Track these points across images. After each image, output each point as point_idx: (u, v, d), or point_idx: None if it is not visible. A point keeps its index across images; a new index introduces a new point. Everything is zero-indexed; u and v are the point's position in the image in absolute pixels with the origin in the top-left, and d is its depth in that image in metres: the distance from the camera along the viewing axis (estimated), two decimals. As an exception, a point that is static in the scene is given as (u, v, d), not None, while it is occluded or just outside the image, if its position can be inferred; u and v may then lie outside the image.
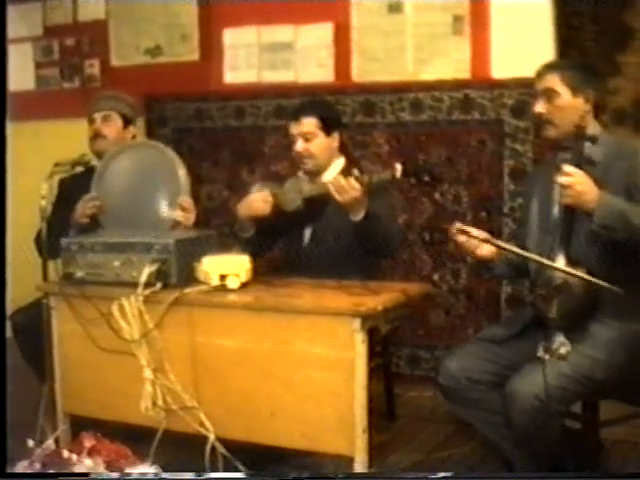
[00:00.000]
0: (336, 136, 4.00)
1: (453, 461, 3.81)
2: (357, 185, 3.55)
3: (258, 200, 3.95)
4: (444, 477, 2.99)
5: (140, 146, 4.32)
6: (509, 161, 4.73)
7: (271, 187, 4.02)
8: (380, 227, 3.73)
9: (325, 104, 4.28)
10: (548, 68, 3.36)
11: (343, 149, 4.07)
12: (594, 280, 2.95)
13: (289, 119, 4.06)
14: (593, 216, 2.97)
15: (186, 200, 3.96)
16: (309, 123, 3.94)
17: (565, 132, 3.27)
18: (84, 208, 4.07)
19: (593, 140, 3.15)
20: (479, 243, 3.37)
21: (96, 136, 4.37)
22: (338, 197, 3.61)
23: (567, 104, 3.28)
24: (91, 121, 4.42)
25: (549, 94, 3.29)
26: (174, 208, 3.95)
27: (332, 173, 3.96)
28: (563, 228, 3.18)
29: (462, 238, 3.37)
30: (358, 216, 3.67)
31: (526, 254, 3.23)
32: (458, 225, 3.36)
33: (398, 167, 3.53)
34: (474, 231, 3.34)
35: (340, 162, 4.02)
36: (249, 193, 4.07)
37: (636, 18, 4.49)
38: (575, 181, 2.99)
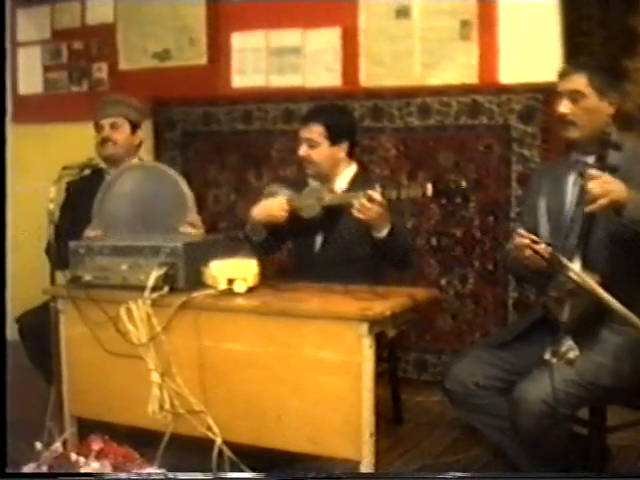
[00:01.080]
0: (344, 146, 3.97)
1: (460, 466, 3.80)
2: (379, 198, 3.53)
3: (275, 208, 3.92)
4: (450, 477, 2.99)
5: (142, 167, 4.30)
6: (517, 166, 4.72)
7: (285, 191, 4.01)
8: (403, 242, 3.75)
9: (336, 112, 4.15)
10: (574, 68, 3.31)
11: (355, 156, 4.07)
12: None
13: (300, 122, 4.07)
14: (622, 211, 2.90)
15: (195, 218, 3.99)
16: (315, 130, 3.93)
17: (587, 135, 3.25)
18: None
19: (617, 147, 3.08)
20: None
21: (105, 142, 4.37)
22: (361, 216, 3.58)
23: (593, 107, 3.24)
24: (99, 127, 4.41)
25: (575, 95, 3.25)
26: (184, 227, 3.96)
27: (344, 180, 3.96)
28: (582, 232, 3.14)
29: (528, 252, 3.14)
30: (382, 232, 3.67)
31: (589, 282, 2.86)
32: (525, 233, 3.16)
33: (429, 186, 3.49)
34: (542, 244, 3.11)
35: (352, 170, 4.02)
36: (264, 194, 4.06)
37: (644, 23, 4.48)
38: (602, 182, 2.93)
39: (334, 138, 3.93)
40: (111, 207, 4.13)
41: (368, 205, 3.54)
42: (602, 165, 3.06)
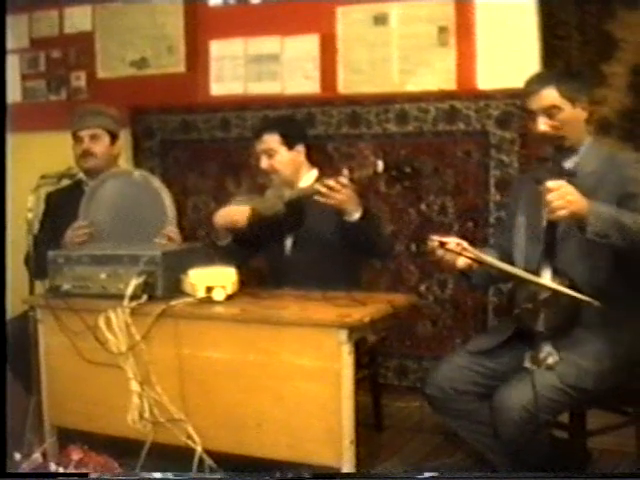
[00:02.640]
0: (300, 149, 4.03)
1: (441, 471, 3.80)
2: (345, 181, 3.56)
3: (234, 212, 3.96)
4: (431, 477, 2.99)
5: (126, 174, 4.28)
6: (495, 172, 4.74)
7: (253, 199, 4.04)
8: (377, 225, 3.78)
9: (286, 120, 4.42)
10: (542, 83, 3.26)
11: (313, 160, 4.11)
12: (574, 294, 2.94)
13: (253, 138, 4.12)
14: (586, 225, 2.87)
15: (172, 230, 3.98)
16: (270, 140, 4.00)
17: (571, 144, 3.25)
18: (74, 236, 4.07)
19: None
20: (457, 255, 3.23)
21: (85, 154, 4.33)
22: (328, 200, 3.60)
23: (570, 117, 3.22)
24: (77, 139, 4.35)
25: (551, 111, 3.21)
26: (161, 238, 3.96)
27: (305, 184, 3.98)
28: (547, 241, 3.16)
29: (440, 252, 3.23)
30: (354, 216, 3.67)
31: (506, 267, 3.12)
32: (436, 237, 3.23)
33: (379, 162, 3.54)
34: (451, 242, 3.20)
35: (313, 173, 4.06)
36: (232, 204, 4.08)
37: (620, 28, 4.50)
38: (562, 194, 2.89)
39: (290, 142, 4.00)
40: (93, 215, 4.12)
41: (336, 187, 3.57)
42: (559, 171, 3.11)
